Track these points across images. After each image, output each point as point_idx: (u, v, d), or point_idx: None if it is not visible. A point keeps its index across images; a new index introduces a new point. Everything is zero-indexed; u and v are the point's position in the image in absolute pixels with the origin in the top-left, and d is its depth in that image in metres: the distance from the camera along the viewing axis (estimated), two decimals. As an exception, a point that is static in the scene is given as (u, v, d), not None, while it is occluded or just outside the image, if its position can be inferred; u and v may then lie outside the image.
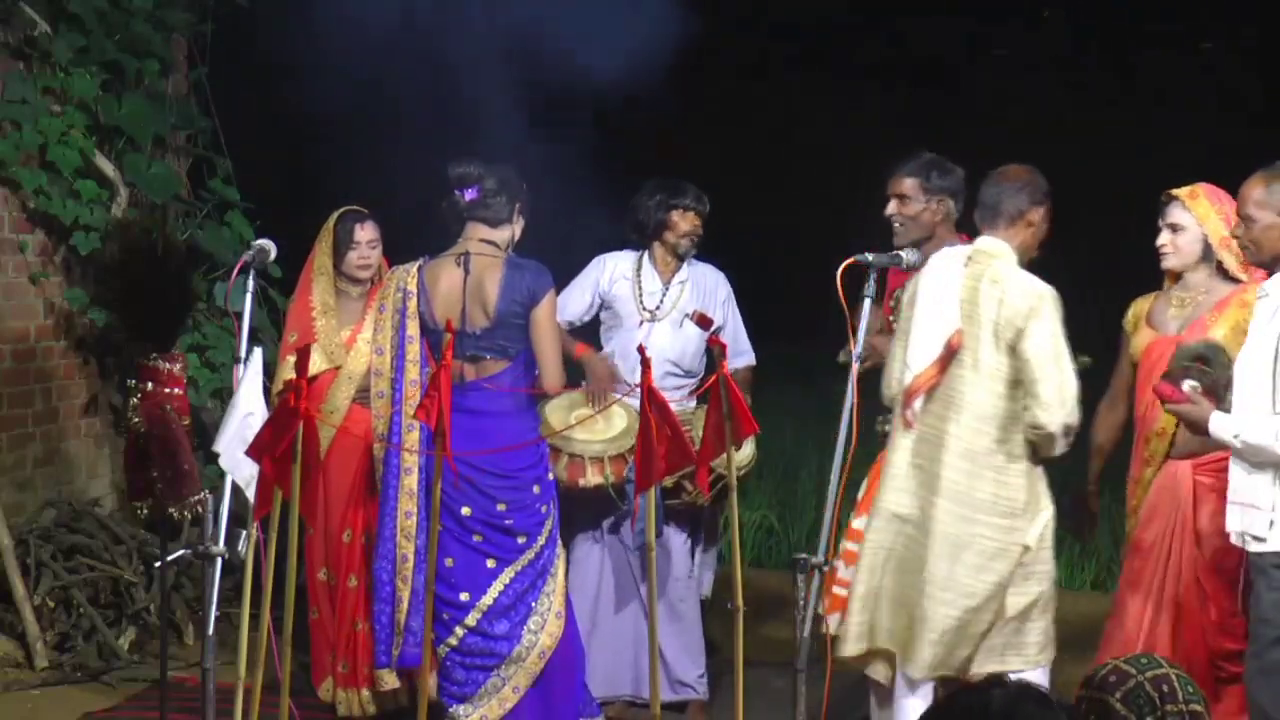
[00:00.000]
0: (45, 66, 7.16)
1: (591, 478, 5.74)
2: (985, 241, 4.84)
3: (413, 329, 5.33)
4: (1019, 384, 4.66)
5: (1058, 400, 4.62)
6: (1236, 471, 4.49)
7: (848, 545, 5.28)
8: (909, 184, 5.39)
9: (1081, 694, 2.98)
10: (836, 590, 5.24)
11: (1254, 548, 4.45)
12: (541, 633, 5.09)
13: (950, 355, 4.71)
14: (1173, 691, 2.89)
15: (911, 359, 4.79)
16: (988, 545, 4.69)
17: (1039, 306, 4.65)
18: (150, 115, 7.46)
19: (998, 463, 4.69)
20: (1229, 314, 4.97)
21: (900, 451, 4.83)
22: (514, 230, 5.37)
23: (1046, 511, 4.78)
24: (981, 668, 4.68)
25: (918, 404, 4.76)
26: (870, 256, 4.86)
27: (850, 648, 4.87)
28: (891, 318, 5.34)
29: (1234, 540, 4.53)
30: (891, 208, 5.41)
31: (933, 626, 4.70)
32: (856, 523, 5.32)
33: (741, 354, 6.16)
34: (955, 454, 4.70)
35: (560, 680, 5.19)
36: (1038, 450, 4.71)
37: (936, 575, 4.69)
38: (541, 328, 5.19)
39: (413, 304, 5.31)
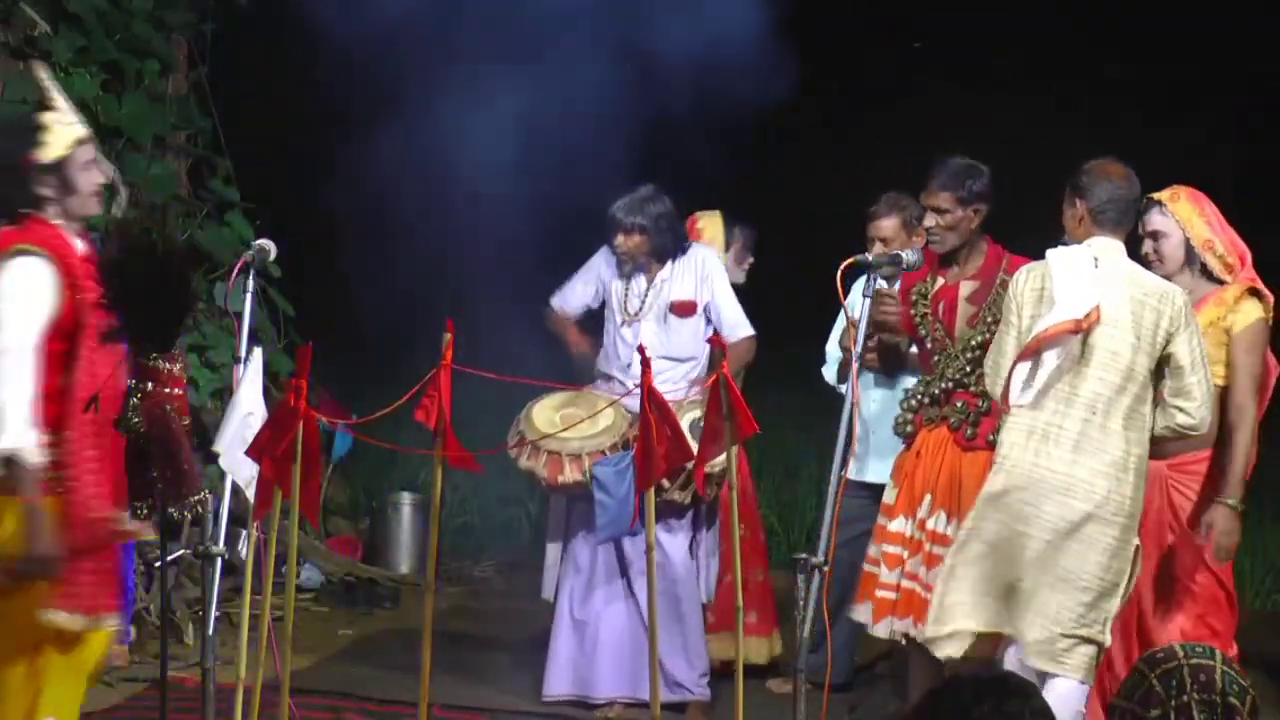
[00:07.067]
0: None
1: (570, 474, 5.74)
2: (1110, 244, 4.82)
3: None
4: (1149, 385, 4.74)
5: (1207, 398, 4.77)
6: None
7: (886, 549, 5.22)
8: (945, 197, 5.28)
9: (1133, 668, 3.19)
10: (881, 594, 5.21)
11: None
12: None
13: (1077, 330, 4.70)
14: (1209, 682, 3.00)
15: (1049, 358, 4.75)
16: (1112, 544, 4.70)
17: (1189, 311, 4.76)
18: (150, 115, 7.46)
19: (1129, 464, 4.73)
20: (1206, 311, 5.00)
21: (1018, 446, 4.78)
22: None
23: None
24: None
25: (1043, 398, 4.73)
26: (870, 256, 4.86)
27: (946, 627, 4.81)
28: (914, 314, 5.33)
29: None
30: (929, 220, 5.31)
31: (1048, 615, 4.69)
32: (894, 525, 5.27)
33: (736, 326, 6.08)
34: (1087, 452, 4.70)
35: None
36: (1161, 446, 4.85)
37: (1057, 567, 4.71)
38: None
39: None
